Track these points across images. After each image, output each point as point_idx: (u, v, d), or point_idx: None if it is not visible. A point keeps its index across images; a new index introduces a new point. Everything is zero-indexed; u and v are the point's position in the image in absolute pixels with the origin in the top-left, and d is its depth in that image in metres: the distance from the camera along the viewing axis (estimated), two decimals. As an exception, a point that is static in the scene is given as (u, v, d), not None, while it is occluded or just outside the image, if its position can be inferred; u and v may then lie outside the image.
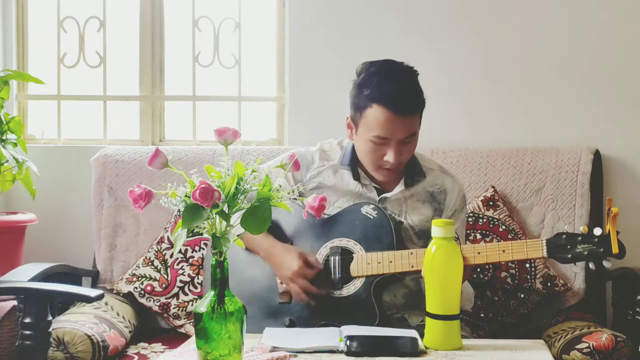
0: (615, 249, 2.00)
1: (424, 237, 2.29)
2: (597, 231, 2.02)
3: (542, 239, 2.09)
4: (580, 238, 2.04)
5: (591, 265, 2.04)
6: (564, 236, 2.06)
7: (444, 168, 2.43)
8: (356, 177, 2.33)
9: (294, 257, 2.21)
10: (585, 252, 2.03)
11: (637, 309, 2.61)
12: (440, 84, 3.17)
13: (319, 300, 2.20)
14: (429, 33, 3.24)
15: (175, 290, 2.90)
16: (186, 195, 1.59)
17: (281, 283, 2.26)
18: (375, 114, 2.18)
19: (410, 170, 2.34)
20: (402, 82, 2.21)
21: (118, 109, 3.51)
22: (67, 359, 2.46)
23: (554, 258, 2.08)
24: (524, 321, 2.87)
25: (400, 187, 2.33)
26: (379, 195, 2.32)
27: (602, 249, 2.02)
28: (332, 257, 2.24)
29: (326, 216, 2.29)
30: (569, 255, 2.05)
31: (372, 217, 2.24)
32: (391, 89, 2.17)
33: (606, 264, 2.02)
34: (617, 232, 2.01)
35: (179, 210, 1.60)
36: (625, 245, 2.02)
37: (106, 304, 2.77)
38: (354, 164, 2.34)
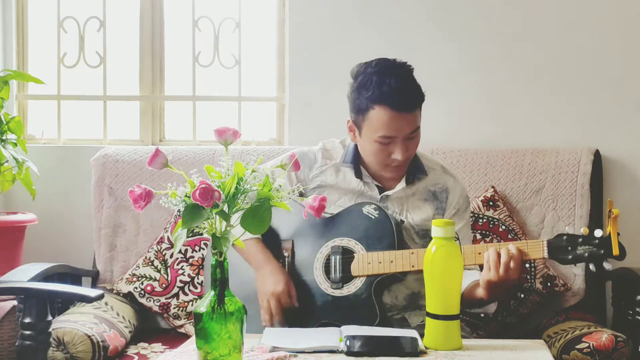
0: (615, 251, 1.99)
1: (425, 236, 2.28)
2: (598, 233, 2.01)
3: (543, 240, 2.08)
4: (581, 239, 2.03)
5: (591, 267, 2.04)
6: (565, 237, 2.05)
7: (445, 168, 2.43)
8: (358, 174, 2.33)
9: (281, 281, 2.22)
10: (586, 254, 2.02)
11: (637, 309, 2.61)
12: (440, 84, 3.17)
13: (276, 325, 2.20)
14: (430, 33, 3.24)
15: (175, 290, 2.90)
16: (186, 195, 1.59)
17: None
18: (378, 115, 2.18)
19: (412, 168, 2.33)
20: (400, 79, 2.20)
21: (118, 109, 3.51)
22: (67, 359, 2.46)
23: (554, 259, 2.07)
24: (524, 321, 2.87)
25: (401, 185, 2.32)
26: (380, 194, 2.32)
27: (602, 251, 2.01)
28: (333, 257, 2.24)
29: (327, 215, 2.29)
30: (570, 257, 2.04)
31: (373, 217, 2.24)
32: (391, 87, 2.16)
33: (606, 265, 2.02)
34: (618, 234, 2.00)
35: (179, 210, 1.60)
36: (625, 246, 2.01)
37: (106, 304, 2.77)
38: (356, 162, 2.34)
